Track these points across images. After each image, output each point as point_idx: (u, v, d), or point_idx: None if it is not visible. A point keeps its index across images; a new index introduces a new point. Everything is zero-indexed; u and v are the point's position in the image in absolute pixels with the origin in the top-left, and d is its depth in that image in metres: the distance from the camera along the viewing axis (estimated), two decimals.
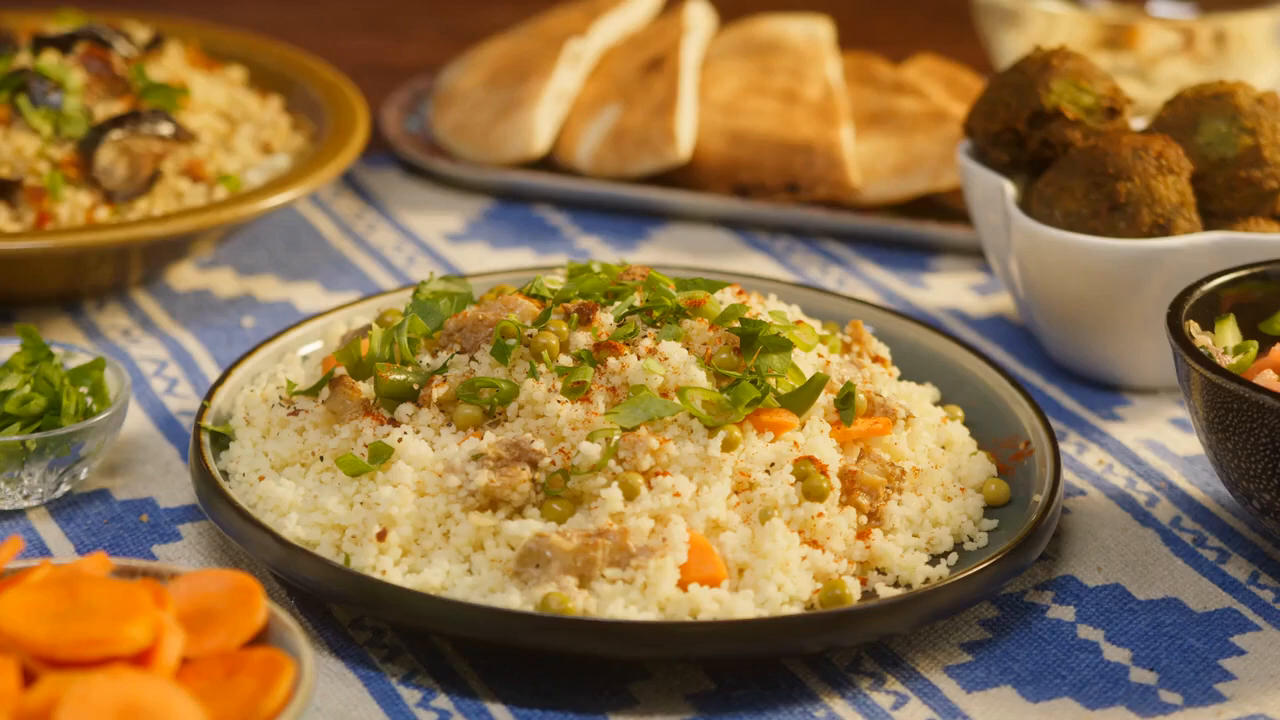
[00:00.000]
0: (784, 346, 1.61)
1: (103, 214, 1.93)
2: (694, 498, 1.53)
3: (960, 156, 1.93)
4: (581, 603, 1.47)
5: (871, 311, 1.84)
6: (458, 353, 1.63)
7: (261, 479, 1.59)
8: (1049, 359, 1.94)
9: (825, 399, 1.62)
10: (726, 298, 1.69)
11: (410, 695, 1.47)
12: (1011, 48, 2.38)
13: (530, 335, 1.62)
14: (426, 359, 1.64)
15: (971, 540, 1.61)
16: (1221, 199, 1.85)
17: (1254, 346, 1.66)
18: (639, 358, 1.59)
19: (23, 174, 1.93)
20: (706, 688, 1.49)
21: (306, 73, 2.18)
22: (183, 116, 2.03)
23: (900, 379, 1.76)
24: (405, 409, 1.60)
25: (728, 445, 1.55)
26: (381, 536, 1.52)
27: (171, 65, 2.10)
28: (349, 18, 2.76)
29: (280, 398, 1.65)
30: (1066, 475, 1.75)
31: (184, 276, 2.04)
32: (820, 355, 1.67)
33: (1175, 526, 1.70)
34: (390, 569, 1.52)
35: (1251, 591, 1.62)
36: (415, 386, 1.61)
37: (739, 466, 1.56)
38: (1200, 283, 1.69)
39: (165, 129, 1.97)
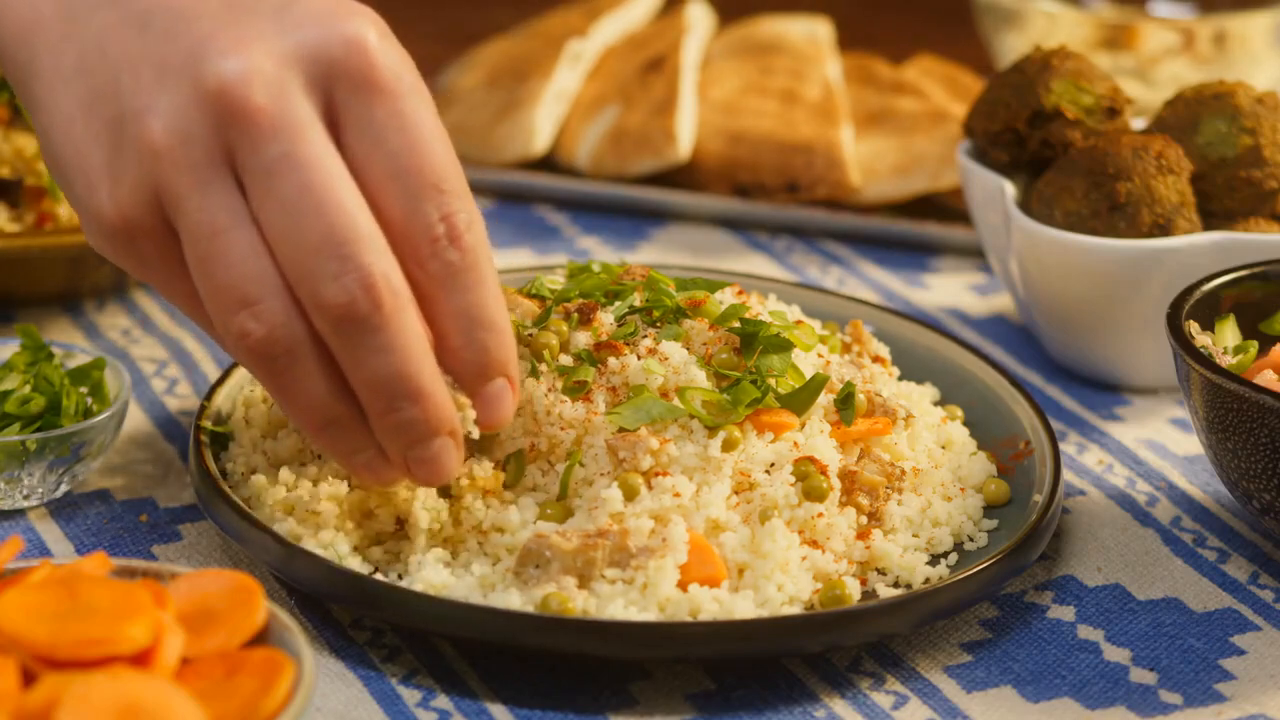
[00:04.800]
0: (784, 346, 1.61)
1: None
2: (694, 498, 1.53)
3: (960, 156, 1.93)
4: (581, 603, 1.47)
5: (871, 311, 1.84)
6: None
7: (261, 478, 1.59)
8: (1049, 359, 1.94)
9: (825, 399, 1.62)
10: (726, 298, 1.69)
11: (410, 695, 1.47)
12: (1011, 48, 2.38)
13: (530, 335, 1.62)
14: None
15: (971, 540, 1.61)
16: (1221, 199, 1.85)
17: (1254, 346, 1.66)
18: (639, 358, 1.59)
19: (23, 174, 1.93)
20: (706, 688, 1.49)
21: None
22: None
23: (900, 379, 1.76)
24: None
25: (728, 445, 1.55)
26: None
27: None
28: None
29: None
30: (1066, 475, 1.75)
31: None
32: (820, 355, 1.67)
33: (1175, 526, 1.70)
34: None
35: (1251, 591, 1.62)
36: None
37: (739, 467, 1.56)
38: (1200, 283, 1.69)
39: None
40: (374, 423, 1.42)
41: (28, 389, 1.66)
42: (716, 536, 1.53)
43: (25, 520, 1.65)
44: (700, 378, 1.59)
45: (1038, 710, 1.49)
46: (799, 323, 1.68)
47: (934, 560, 1.58)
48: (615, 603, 1.47)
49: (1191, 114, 1.87)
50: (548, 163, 2.28)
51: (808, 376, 1.62)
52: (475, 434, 1.47)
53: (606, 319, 1.63)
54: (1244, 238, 1.80)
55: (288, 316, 1.38)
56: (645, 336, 1.61)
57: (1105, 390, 1.89)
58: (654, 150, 2.20)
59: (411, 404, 1.41)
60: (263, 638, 1.35)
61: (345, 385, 1.42)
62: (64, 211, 1.92)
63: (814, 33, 2.39)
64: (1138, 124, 1.93)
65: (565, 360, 1.60)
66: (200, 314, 1.43)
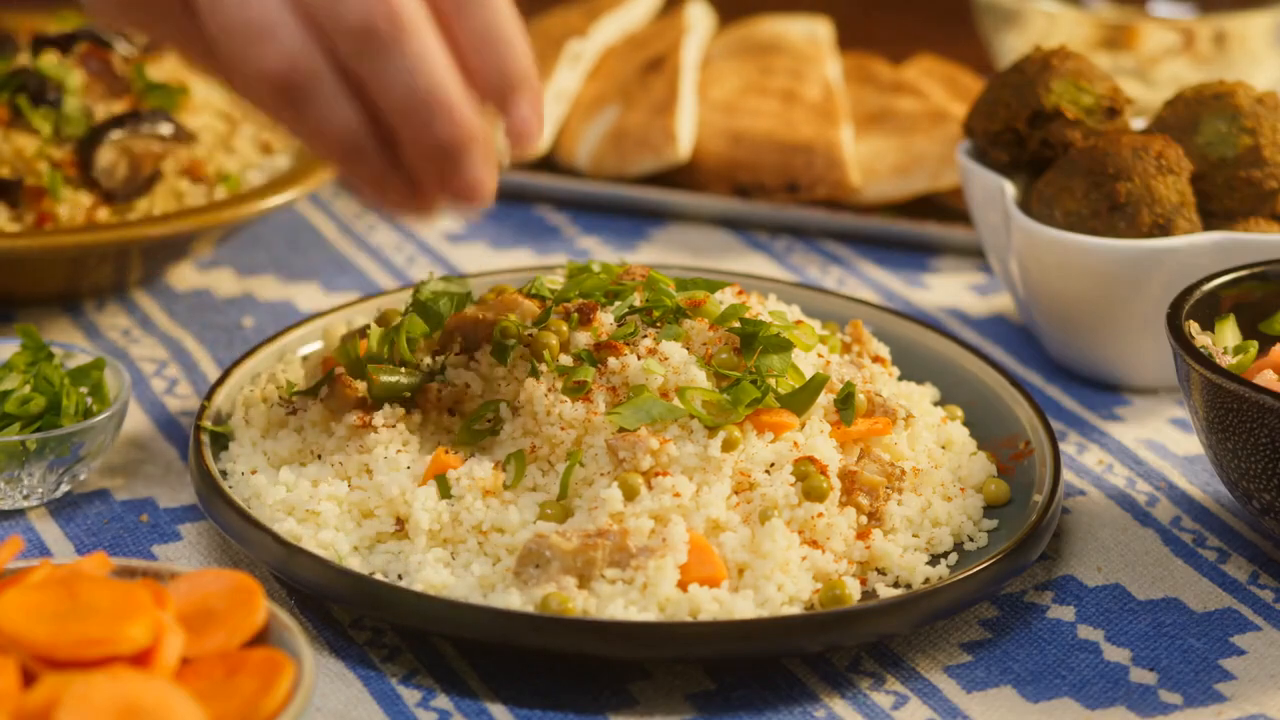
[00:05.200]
0: (784, 346, 1.61)
1: (103, 214, 1.93)
2: (694, 498, 1.53)
3: (960, 156, 1.93)
4: (581, 603, 1.47)
5: (871, 311, 1.84)
6: (457, 353, 1.63)
7: (260, 478, 1.59)
8: (1049, 359, 1.94)
9: (825, 399, 1.62)
10: (726, 298, 1.69)
11: (410, 695, 1.47)
12: (1011, 48, 2.38)
13: (530, 335, 1.62)
14: (426, 359, 1.64)
15: (971, 540, 1.61)
16: (1221, 199, 1.85)
17: (1254, 346, 1.66)
18: (639, 358, 1.59)
19: (23, 174, 1.93)
20: (706, 688, 1.49)
21: None
22: (183, 116, 2.03)
23: (900, 379, 1.76)
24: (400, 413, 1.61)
25: (728, 445, 1.55)
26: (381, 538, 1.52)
27: (171, 65, 2.10)
28: None
29: (280, 397, 1.65)
30: (1066, 475, 1.75)
31: (184, 276, 2.04)
32: (820, 355, 1.67)
33: (1175, 526, 1.70)
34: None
35: (1251, 591, 1.62)
36: (408, 395, 1.61)
37: (739, 467, 1.56)
38: (1200, 283, 1.69)
39: (165, 129, 1.97)
40: (407, 147, 1.40)
41: (28, 389, 1.66)
42: (716, 536, 1.53)
43: (25, 520, 1.65)
44: (700, 378, 1.59)
45: (1038, 710, 1.49)
46: (799, 323, 1.68)
47: (934, 560, 1.58)
48: (615, 603, 1.47)
49: (1191, 114, 1.87)
50: (548, 163, 2.28)
51: (808, 376, 1.62)
52: (506, 159, 1.45)
53: (606, 319, 1.63)
54: (1244, 238, 1.80)
55: (305, 44, 1.37)
56: (645, 336, 1.61)
57: (1105, 390, 1.89)
58: (654, 150, 2.20)
59: (443, 118, 1.38)
60: (263, 638, 1.35)
61: (369, 114, 1.40)
62: (64, 211, 1.92)
63: (814, 33, 2.39)
64: (1138, 124, 1.93)
65: (565, 360, 1.60)
66: (216, 64, 1.41)
